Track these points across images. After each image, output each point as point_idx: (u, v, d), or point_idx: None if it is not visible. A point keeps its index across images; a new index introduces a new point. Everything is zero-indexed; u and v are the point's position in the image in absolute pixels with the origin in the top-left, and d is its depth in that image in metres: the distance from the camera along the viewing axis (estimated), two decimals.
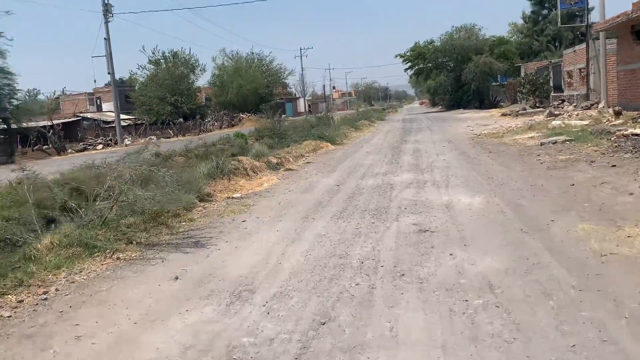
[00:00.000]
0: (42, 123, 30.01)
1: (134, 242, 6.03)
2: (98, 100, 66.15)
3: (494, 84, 50.53)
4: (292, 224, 6.75)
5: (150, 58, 52.11)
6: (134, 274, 5.08)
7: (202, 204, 8.37)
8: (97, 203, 6.34)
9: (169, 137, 41.85)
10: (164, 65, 51.46)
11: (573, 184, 8.17)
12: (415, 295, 4.04)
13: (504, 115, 32.02)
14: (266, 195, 9.32)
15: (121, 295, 4.45)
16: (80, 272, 5.12)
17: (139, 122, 51.76)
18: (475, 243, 5.33)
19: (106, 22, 29.66)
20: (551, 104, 32.65)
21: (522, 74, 39.95)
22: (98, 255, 5.55)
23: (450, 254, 4.99)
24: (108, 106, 63.61)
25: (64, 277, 4.94)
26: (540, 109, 31.34)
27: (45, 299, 4.44)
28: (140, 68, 53.20)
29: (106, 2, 29.46)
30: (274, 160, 13.27)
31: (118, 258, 5.55)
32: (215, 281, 4.66)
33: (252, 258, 5.28)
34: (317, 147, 17.86)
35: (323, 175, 11.46)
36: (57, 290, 4.64)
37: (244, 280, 4.63)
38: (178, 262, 5.36)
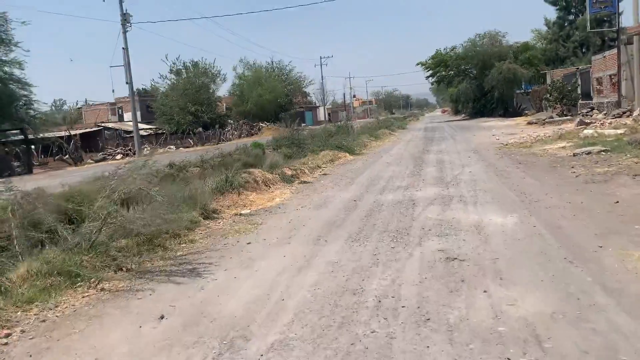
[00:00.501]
0: (60, 133, 29.92)
1: (124, 269, 5.38)
2: (120, 110, 66.62)
3: (518, 91, 49.23)
4: (302, 247, 6.02)
5: (171, 68, 52.30)
6: (116, 309, 4.41)
7: (207, 222, 7.71)
8: (84, 224, 5.70)
9: (188, 147, 41.65)
10: (185, 75, 51.55)
11: (617, 202, 7.28)
12: (445, 350, 3.27)
13: (530, 123, 30.92)
14: (277, 211, 8.62)
15: (94, 341, 3.77)
16: (56, 307, 4.47)
17: (159, 131, 51.86)
18: (513, 276, 4.53)
19: (124, 32, 29.51)
20: (580, 112, 31.41)
21: (548, 81, 38.72)
22: (80, 286, 4.91)
23: (485, 291, 4.20)
24: (129, 116, 63.97)
25: (34, 315, 4.29)
26: (569, 117, 30.14)
27: (6, 343, 3.79)
28: (161, 77, 53.38)
29: (124, 12, 29.33)
30: (289, 172, 12.59)
31: (102, 289, 4.89)
32: (206, 323, 3.95)
33: (252, 292, 4.57)
34: (334, 157, 17.15)
35: (339, 189, 10.72)
36: (22, 332, 3.98)
37: (239, 322, 3.90)
38: (168, 294, 4.67)
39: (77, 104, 72.11)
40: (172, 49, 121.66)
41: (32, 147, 27.01)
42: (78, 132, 49.69)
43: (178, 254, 6.07)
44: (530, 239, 5.72)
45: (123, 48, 29.70)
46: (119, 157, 37.60)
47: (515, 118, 41.40)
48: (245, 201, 9.22)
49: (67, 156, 28.25)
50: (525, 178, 10.34)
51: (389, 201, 8.80)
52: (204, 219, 7.74)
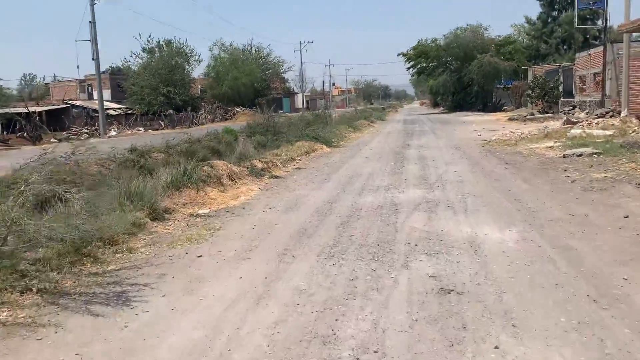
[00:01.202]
0: (18, 110, 28.09)
1: (34, 290, 4.22)
2: (89, 88, 64.17)
3: (498, 86, 48.73)
4: (263, 265, 4.94)
5: (144, 46, 50.23)
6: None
7: (155, 225, 6.54)
8: None
9: (157, 130, 39.96)
10: (158, 55, 49.56)
11: (627, 216, 6.39)
12: None
13: (511, 119, 30.32)
14: (240, 213, 7.49)
15: None
16: None
17: (129, 112, 49.94)
18: (529, 321, 3.53)
19: (92, 4, 27.73)
20: (561, 110, 30.94)
21: (530, 77, 38.19)
22: None
23: (496, 347, 3.18)
24: None
25: None
26: (550, 114, 29.64)
27: None
28: (133, 56, 51.29)
29: None
30: (259, 165, 11.45)
31: None
32: None
33: (191, 335, 3.47)
34: (310, 149, 16.05)
35: (314, 187, 9.64)
36: None
37: None
38: (79, 333, 3.55)
39: (44, 80, 69.31)
40: (148, 28, 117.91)
41: None
42: (43, 109, 47.44)
43: (109, 268, 4.92)
44: (539, 264, 4.74)
45: (90, 22, 27.95)
46: (84, 137, 35.75)
47: (494, 113, 40.88)
48: (205, 199, 8.07)
49: (25, 134, 26.48)
50: (516, 181, 9.43)
51: (368, 205, 7.76)
52: (151, 219, 6.57)
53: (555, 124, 21.89)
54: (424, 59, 50.61)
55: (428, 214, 6.93)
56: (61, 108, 49.81)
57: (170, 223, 6.71)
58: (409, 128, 28.58)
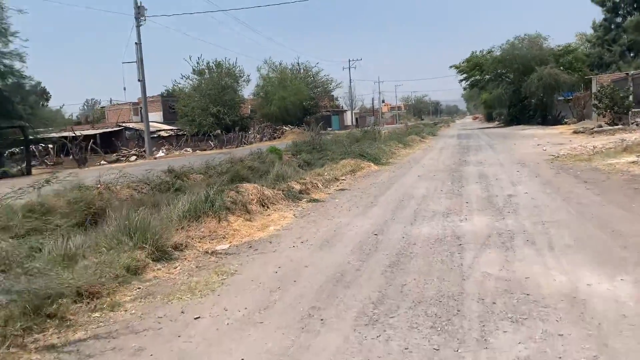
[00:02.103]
0: (66, 133, 28.20)
1: None
2: (142, 110, 65.43)
3: (559, 98, 45.84)
4: (279, 336, 3.54)
5: (194, 67, 50.73)
6: None
7: (158, 266, 5.28)
8: None
9: (205, 150, 39.67)
10: (208, 76, 49.83)
11: None
12: None
13: (576, 132, 27.91)
14: (265, 248, 6.15)
15: None
16: None
17: (180, 133, 50.40)
18: None
19: (138, 26, 27.60)
20: (632, 121, 28.23)
21: (594, 87, 35.45)
22: None
23: None
24: (153, 116, 62.75)
25: None
26: (619, 126, 27.05)
27: None
28: (183, 78, 51.91)
29: (138, 4, 27.43)
30: (297, 187, 10.14)
31: None
32: None
33: None
34: (356, 167, 14.64)
35: (357, 213, 8.21)
36: None
37: None
38: None
39: (100, 103, 71.44)
40: (197, 50, 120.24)
41: (32, 146, 25.27)
42: (97, 131, 48.48)
43: (75, 336, 3.64)
44: None
45: (136, 43, 27.80)
46: (132, 158, 35.84)
47: (555, 126, 38.31)
48: (228, 230, 6.79)
49: (71, 157, 26.42)
50: (605, 205, 7.68)
51: (424, 237, 6.25)
52: (155, 260, 5.32)
53: (631, 136, 19.58)
54: (478, 72, 48.36)
55: (503, 253, 5.36)
56: (114, 131, 50.82)
57: (176, 264, 5.43)
58: (464, 143, 26.67)
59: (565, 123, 41.25)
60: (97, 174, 19.69)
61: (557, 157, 15.65)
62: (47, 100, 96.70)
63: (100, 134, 47.59)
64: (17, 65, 21.63)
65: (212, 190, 7.45)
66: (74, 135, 29.20)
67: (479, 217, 7.37)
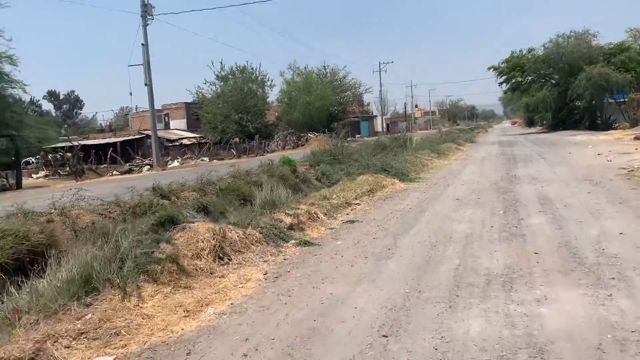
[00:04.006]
0: (61, 144, 26.09)
1: None
2: (166, 117, 64.01)
3: (609, 101, 41.63)
4: None
5: (216, 73, 48.66)
6: None
7: None
8: None
9: (222, 159, 37.22)
10: (232, 82, 47.62)
11: None
12: None
13: (637, 139, 24.25)
14: None
15: None
16: None
17: (203, 141, 48.48)
18: None
19: (144, 25, 25.32)
20: None
21: None
22: None
23: None
24: (176, 124, 61.16)
25: None
26: None
27: None
28: (206, 83, 49.93)
29: (145, 1, 25.17)
30: (286, 220, 7.23)
31: None
32: None
33: None
34: (376, 186, 11.62)
35: (362, 274, 5.21)
36: None
37: None
38: None
39: (123, 111, 70.28)
40: (215, 53, 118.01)
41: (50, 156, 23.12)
42: (118, 139, 46.82)
43: None
44: None
45: (142, 44, 25.47)
46: (145, 168, 33.66)
47: (607, 132, 34.41)
48: (132, 317, 3.92)
49: (68, 168, 24.23)
50: None
51: (476, 349, 3.26)
52: None
53: None
54: (519, 73, 44.44)
55: None
56: (137, 138, 49.16)
57: None
58: (508, 152, 23.23)
59: (617, 128, 37.20)
60: (93, 187, 17.01)
61: (631, 170, 12.35)
62: (81, 108, 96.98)
63: (121, 142, 45.95)
64: (7, 68, 19.49)
65: (125, 242, 4.59)
66: (71, 145, 27.06)
67: (564, 290, 4.30)
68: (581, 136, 31.76)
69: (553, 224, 6.97)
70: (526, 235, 6.47)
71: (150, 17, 25.57)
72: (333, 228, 7.61)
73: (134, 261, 4.44)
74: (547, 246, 5.83)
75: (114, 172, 31.12)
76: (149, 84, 25.88)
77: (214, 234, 5.45)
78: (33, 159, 34.61)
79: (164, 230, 5.82)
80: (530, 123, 67.64)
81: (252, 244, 6.05)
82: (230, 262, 5.47)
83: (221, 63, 49.52)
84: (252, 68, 48.91)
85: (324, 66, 54.31)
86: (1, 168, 19.51)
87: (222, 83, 49.54)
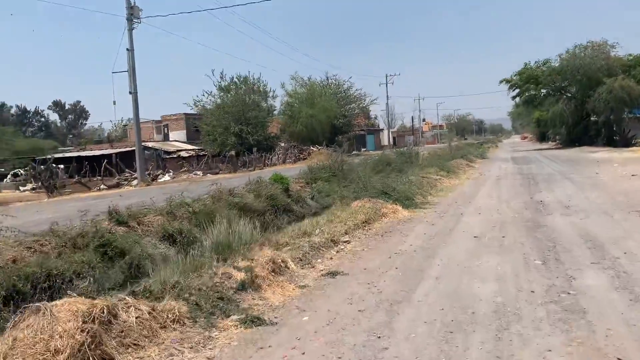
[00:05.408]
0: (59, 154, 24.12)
1: None
2: (165, 129, 62.32)
3: (630, 115, 39.27)
4: None
5: (216, 83, 46.88)
6: None
7: None
8: None
9: (217, 174, 35.13)
10: (233, 92, 45.79)
11: None
12: None
13: None
14: None
15: None
16: None
17: (201, 153, 46.63)
18: None
19: (130, 29, 23.40)
20: None
21: None
22: None
23: None
24: (175, 135, 59.35)
25: None
26: None
27: None
28: (205, 94, 48.18)
29: (132, 4, 23.28)
30: (238, 276, 5.06)
31: None
32: None
33: None
34: (374, 214, 9.41)
35: None
36: None
37: None
38: None
39: (122, 121, 68.54)
40: (216, 63, 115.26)
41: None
42: (114, 151, 44.99)
43: None
44: None
45: (127, 49, 23.53)
46: (135, 182, 31.63)
47: (629, 148, 32.14)
48: None
49: (40, 183, 22.19)
50: None
51: None
52: None
53: None
54: (533, 85, 42.12)
55: None
56: (133, 150, 47.42)
57: None
58: (525, 170, 20.91)
59: (637, 144, 34.87)
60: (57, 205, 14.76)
61: None
62: (86, 118, 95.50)
63: (117, 153, 44.15)
64: None
65: None
66: (43, 157, 25.06)
67: None
68: (601, 153, 29.45)
69: (623, 291, 4.73)
70: (587, 312, 4.25)
71: (136, 20, 23.65)
72: (305, 286, 5.40)
73: None
74: (630, 340, 3.61)
75: (102, 186, 29.17)
76: (133, 92, 23.90)
77: (84, 322, 3.27)
78: (22, 171, 32.84)
79: (9, 311, 3.68)
80: (542, 138, 65.19)
81: (166, 326, 3.87)
82: None
83: (221, 73, 47.53)
84: (253, 77, 47.16)
85: (328, 77, 52.37)
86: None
87: (222, 94, 47.77)
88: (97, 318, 3.39)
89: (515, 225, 8.48)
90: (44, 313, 3.24)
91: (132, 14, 23.49)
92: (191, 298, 4.38)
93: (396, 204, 10.47)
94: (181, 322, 4.02)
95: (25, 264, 6.73)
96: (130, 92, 23.87)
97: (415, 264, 6.17)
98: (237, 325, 4.19)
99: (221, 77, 47.41)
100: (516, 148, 53.36)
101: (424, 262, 6.24)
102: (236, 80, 48.31)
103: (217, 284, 4.86)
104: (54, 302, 3.45)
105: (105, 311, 3.49)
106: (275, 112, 50.74)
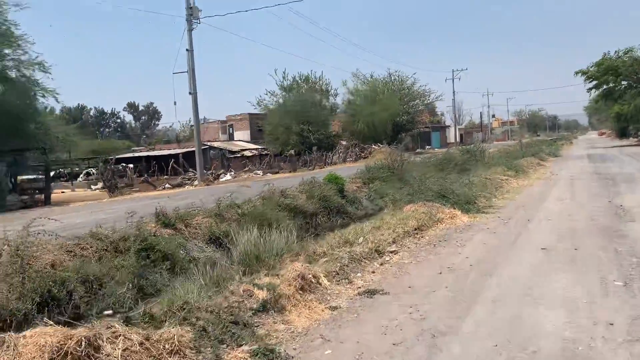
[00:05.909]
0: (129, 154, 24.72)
1: None
2: (230, 129, 63.41)
3: None
4: None
5: (280, 83, 47.02)
6: None
7: None
8: None
9: (276, 173, 35.03)
10: (295, 91, 45.92)
11: None
12: None
13: None
14: None
15: None
16: None
17: (264, 153, 47.04)
18: None
19: (190, 30, 23.56)
20: None
21: None
22: None
23: None
24: (240, 135, 60.21)
25: None
26: None
27: None
28: (268, 94, 48.44)
29: (191, 4, 23.44)
30: (260, 295, 4.46)
31: None
32: None
33: None
34: (428, 220, 8.56)
35: None
36: None
37: None
38: None
39: (190, 122, 70.34)
40: (278, 62, 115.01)
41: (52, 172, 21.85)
42: (180, 151, 46.15)
43: None
44: None
45: (187, 50, 23.70)
46: (196, 182, 32.11)
47: None
48: None
49: (106, 182, 22.73)
50: None
51: None
52: None
53: None
54: (612, 77, 39.05)
55: None
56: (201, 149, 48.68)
57: None
58: (602, 169, 19.10)
59: None
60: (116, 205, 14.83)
61: None
62: (158, 119, 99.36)
63: (184, 153, 45.29)
64: (38, 75, 18.14)
65: None
66: (105, 158, 25.68)
67: None
68: None
69: None
70: None
71: (196, 20, 23.79)
72: (336, 307, 4.72)
73: None
74: None
75: (167, 185, 29.81)
76: (193, 93, 24.00)
77: (57, 354, 2.77)
78: (94, 170, 34.23)
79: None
80: (622, 134, 60.66)
81: (162, 359, 3.32)
82: None
83: (284, 72, 47.63)
84: (315, 77, 46.97)
85: (390, 74, 51.19)
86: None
87: (284, 93, 47.94)
88: (70, 354, 2.88)
89: (590, 235, 7.38)
90: (7, 346, 2.77)
91: (192, 15, 23.62)
92: (199, 322, 3.82)
93: (454, 208, 9.54)
94: (181, 353, 3.46)
95: (63, 268, 6.51)
96: (190, 93, 24.01)
97: (469, 284, 5.33)
98: (246, 359, 3.58)
99: (283, 77, 47.57)
100: (592, 145, 49.86)
101: (480, 281, 5.38)
102: (298, 79, 48.36)
103: (234, 304, 4.29)
104: (23, 333, 2.98)
105: (83, 344, 2.98)
106: (338, 110, 50.32)
